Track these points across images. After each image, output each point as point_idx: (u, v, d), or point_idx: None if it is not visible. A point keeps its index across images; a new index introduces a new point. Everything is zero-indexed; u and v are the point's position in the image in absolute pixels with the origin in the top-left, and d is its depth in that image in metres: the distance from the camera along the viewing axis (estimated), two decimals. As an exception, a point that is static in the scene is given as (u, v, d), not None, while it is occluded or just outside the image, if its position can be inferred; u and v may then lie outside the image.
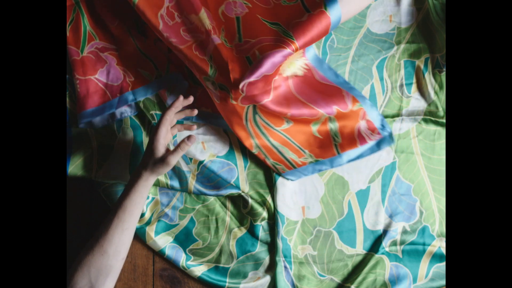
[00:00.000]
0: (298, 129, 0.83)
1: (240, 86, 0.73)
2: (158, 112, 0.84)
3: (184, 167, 0.83)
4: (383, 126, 0.83)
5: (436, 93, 0.85)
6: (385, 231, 0.83)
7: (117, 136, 0.85)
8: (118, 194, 0.83)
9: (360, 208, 0.84)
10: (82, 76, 0.83)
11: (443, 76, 0.85)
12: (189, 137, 0.71)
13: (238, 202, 0.85)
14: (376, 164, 0.85)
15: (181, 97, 0.75)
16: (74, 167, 0.82)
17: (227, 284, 0.82)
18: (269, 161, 0.83)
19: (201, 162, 0.84)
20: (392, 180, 0.85)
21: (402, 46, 0.87)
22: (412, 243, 0.83)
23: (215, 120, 0.85)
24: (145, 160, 0.72)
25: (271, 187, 0.85)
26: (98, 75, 0.84)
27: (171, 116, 0.74)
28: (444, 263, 0.82)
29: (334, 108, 0.81)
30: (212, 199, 0.85)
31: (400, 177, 0.85)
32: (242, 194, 0.83)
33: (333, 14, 0.73)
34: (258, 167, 0.86)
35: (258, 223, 0.83)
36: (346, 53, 0.88)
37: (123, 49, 0.85)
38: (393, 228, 0.83)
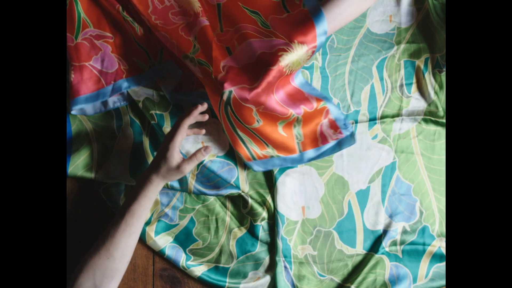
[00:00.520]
0: (266, 128, 0.82)
1: (221, 65, 0.74)
2: (158, 112, 0.84)
3: (184, 167, 0.83)
4: (345, 126, 0.82)
5: (436, 93, 0.85)
6: (385, 231, 0.83)
7: (117, 136, 0.85)
8: (118, 194, 0.83)
9: (360, 208, 0.84)
10: (76, 62, 0.82)
11: (443, 76, 0.85)
12: (205, 148, 0.73)
13: (238, 202, 0.85)
14: (376, 164, 0.85)
15: (199, 107, 0.75)
16: (74, 167, 0.82)
17: (227, 284, 0.82)
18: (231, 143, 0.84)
19: (201, 162, 0.84)
20: (392, 180, 0.85)
21: (402, 46, 0.87)
22: (412, 243, 0.83)
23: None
24: (158, 165, 0.72)
25: (271, 187, 0.85)
26: (92, 61, 0.83)
27: (188, 125, 0.74)
28: (444, 263, 0.82)
29: (302, 108, 0.81)
30: (212, 199, 0.85)
31: (400, 177, 0.85)
32: (242, 194, 0.83)
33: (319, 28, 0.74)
34: (258, 167, 0.86)
35: (258, 223, 0.83)
36: (346, 53, 0.88)
37: (118, 37, 0.85)
38: (393, 228, 0.83)
